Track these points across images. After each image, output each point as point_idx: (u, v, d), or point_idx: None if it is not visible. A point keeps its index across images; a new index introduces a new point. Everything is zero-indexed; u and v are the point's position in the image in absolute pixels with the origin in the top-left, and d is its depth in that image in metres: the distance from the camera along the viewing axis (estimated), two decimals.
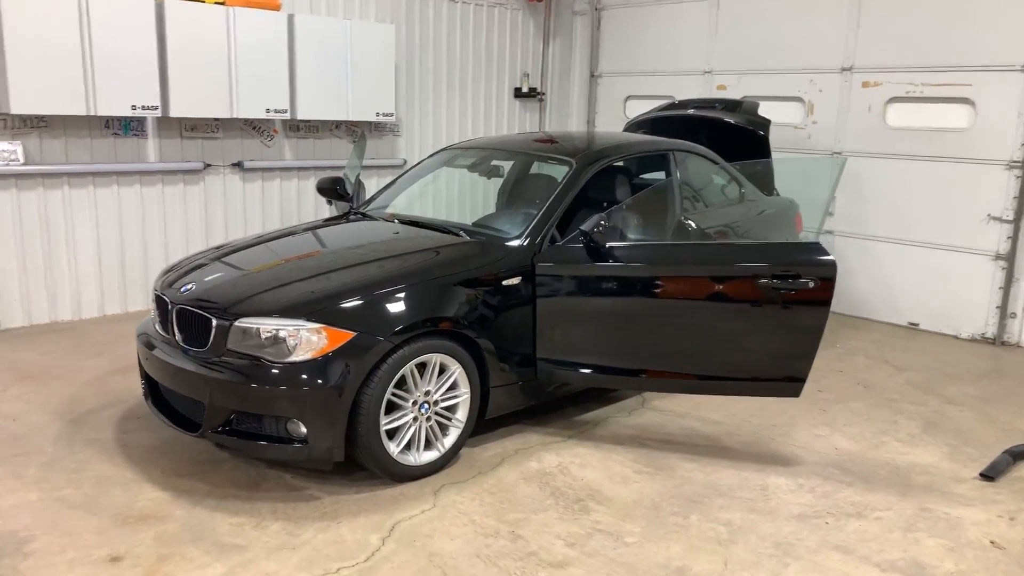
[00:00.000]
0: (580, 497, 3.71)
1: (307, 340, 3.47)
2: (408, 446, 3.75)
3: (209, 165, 6.71)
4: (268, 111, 6.68)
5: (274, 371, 3.47)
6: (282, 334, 3.48)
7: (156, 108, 6.05)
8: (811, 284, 3.83)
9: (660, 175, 5.32)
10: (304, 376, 3.44)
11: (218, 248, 4.53)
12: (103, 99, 5.78)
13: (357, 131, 7.55)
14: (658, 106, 6.84)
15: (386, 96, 7.41)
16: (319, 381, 3.44)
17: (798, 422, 4.71)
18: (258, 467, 3.85)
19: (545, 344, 4.15)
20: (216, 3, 6.29)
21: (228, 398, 3.52)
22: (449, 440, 3.91)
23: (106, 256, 6.30)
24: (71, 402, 4.59)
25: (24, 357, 5.33)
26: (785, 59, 7.30)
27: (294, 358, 3.47)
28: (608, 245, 4.05)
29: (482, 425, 4.15)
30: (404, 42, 7.79)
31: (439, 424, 3.87)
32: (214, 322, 3.60)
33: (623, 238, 4.13)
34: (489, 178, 5.65)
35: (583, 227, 4.06)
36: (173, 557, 3.12)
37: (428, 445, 3.84)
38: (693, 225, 4.64)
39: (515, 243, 4.20)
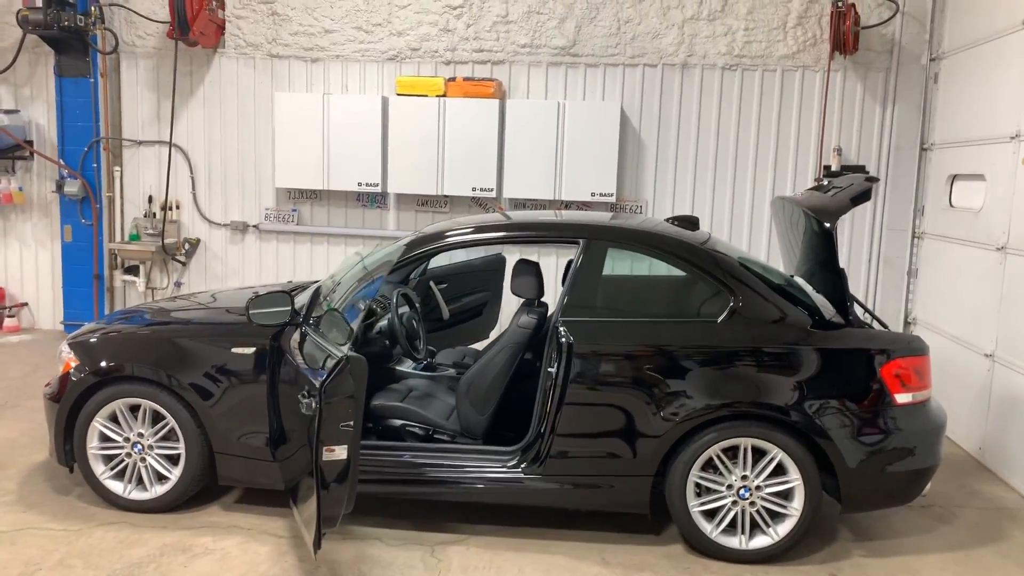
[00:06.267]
0: None
1: (62, 360, 4.29)
2: (139, 480, 4.16)
3: None
4: (474, 190, 7.23)
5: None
6: (59, 352, 4.38)
7: (377, 185, 7.34)
8: None
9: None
10: (48, 387, 4.27)
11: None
12: (336, 178, 7.36)
13: (581, 209, 7.35)
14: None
15: (606, 177, 7.06)
16: (48, 394, 4.22)
17: None
18: None
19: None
20: (437, 96, 7.22)
21: None
22: (162, 488, 4.12)
23: None
24: None
25: None
26: None
27: (58, 373, 4.32)
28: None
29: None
30: (657, 119, 7.20)
31: (156, 471, 4.13)
32: None
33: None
34: None
35: None
36: None
37: (145, 484, 4.15)
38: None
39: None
